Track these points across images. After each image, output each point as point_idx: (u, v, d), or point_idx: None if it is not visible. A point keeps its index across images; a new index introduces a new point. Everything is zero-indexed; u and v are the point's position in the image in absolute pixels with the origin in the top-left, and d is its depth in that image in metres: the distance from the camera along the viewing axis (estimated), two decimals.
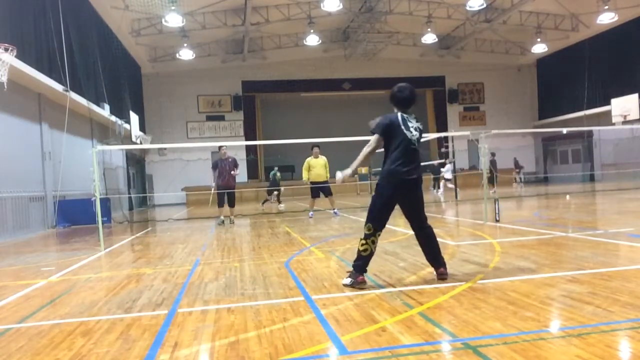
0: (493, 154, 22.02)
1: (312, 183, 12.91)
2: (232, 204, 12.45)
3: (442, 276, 4.37)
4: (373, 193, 4.57)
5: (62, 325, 3.65)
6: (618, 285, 3.86)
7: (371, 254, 4.33)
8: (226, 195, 12.25)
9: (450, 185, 21.16)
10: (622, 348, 2.67)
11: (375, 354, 2.69)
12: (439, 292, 3.95)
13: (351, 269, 4.39)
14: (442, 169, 22.28)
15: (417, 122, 4.47)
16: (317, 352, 2.79)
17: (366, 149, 4.52)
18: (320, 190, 12.91)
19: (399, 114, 4.43)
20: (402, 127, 4.35)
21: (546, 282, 4.13)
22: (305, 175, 13.01)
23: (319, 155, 12.99)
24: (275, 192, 18.69)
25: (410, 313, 3.43)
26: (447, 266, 4.51)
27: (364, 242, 4.31)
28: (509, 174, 30.63)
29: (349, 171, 4.61)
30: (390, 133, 4.37)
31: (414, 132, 4.38)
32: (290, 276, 4.99)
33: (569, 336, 2.80)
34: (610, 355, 2.51)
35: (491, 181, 18.17)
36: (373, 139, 4.48)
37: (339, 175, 4.66)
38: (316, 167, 12.86)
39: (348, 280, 4.34)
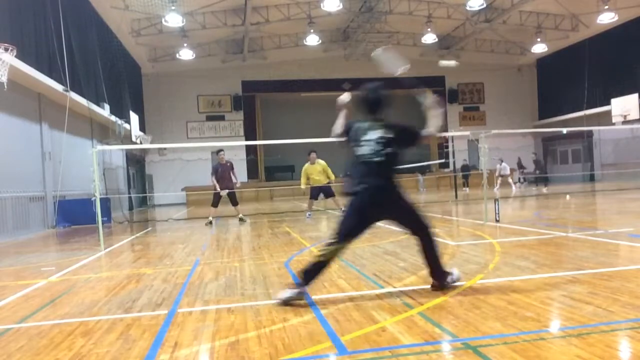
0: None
1: (311, 185, 12.68)
2: (235, 203, 12.47)
3: (434, 287, 4.06)
4: None
5: (62, 325, 3.65)
6: (618, 285, 3.86)
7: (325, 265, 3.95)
8: (227, 195, 12.26)
9: (510, 181, 21.39)
10: (622, 348, 2.67)
11: (375, 354, 2.69)
12: (439, 292, 3.95)
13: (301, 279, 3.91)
14: (498, 166, 22.56)
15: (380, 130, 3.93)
16: (317, 352, 2.79)
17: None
18: (320, 190, 12.51)
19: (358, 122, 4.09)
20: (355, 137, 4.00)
21: (546, 282, 4.13)
22: (303, 183, 12.52)
23: (316, 161, 12.40)
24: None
25: (410, 313, 3.43)
26: (448, 266, 4.50)
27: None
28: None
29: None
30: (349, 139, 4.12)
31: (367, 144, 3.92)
32: (290, 276, 4.99)
33: (569, 336, 2.80)
34: (610, 355, 2.51)
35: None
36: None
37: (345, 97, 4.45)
38: (313, 173, 12.34)
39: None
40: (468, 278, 4.39)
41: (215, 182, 12.19)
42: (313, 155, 12.46)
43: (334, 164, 12.95)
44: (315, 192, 12.62)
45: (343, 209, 4.28)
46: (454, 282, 4.04)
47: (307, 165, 12.55)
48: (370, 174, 3.88)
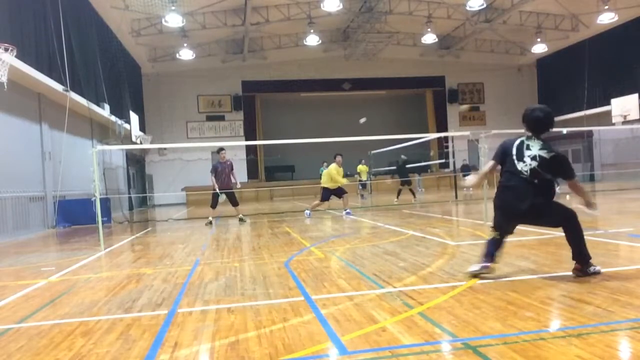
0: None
1: (325, 188, 12.87)
2: (235, 204, 12.48)
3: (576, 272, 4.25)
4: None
5: (62, 325, 3.65)
6: (618, 285, 3.86)
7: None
8: (226, 196, 12.26)
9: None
10: (622, 348, 2.67)
11: (375, 354, 2.69)
12: (439, 292, 3.95)
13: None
14: None
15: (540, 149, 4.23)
16: (317, 352, 2.79)
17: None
18: (332, 193, 12.89)
19: (519, 139, 4.34)
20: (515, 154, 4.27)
21: (546, 282, 4.13)
22: (341, 180, 12.82)
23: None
24: (402, 185, 17.28)
25: (410, 313, 3.43)
26: (448, 266, 4.50)
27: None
28: None
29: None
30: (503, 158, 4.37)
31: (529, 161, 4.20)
32: (290, 276, 4.99)
33: (569, 336, 2.80)
34: (610, 355, 2.51)
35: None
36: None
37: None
38: (336, 175, 12.79)
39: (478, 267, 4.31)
40: (468, 278, 4.39)
41: (214, 181, 12.20)
42: (339, 158, 12.97)
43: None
44: (327, 195, 12.95)
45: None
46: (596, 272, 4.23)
47: (334, 165, 12.90)
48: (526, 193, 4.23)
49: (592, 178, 27.94)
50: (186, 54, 25.21)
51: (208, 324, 3.46)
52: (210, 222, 12.11)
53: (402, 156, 18.57)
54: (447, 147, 19.93)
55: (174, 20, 20.06)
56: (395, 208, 14.55)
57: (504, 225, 4.35)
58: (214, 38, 25.86)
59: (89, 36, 17.89)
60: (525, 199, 4.15)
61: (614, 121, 22.03)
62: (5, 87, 9.95)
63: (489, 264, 4.28)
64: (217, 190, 12.24)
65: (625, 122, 21.54)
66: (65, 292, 4.87)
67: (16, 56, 10.28)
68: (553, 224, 4.43)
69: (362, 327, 3.15)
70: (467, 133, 12.41)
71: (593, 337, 2.75)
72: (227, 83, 29.96)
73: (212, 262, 6.23)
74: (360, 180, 21.32)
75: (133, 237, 10.58)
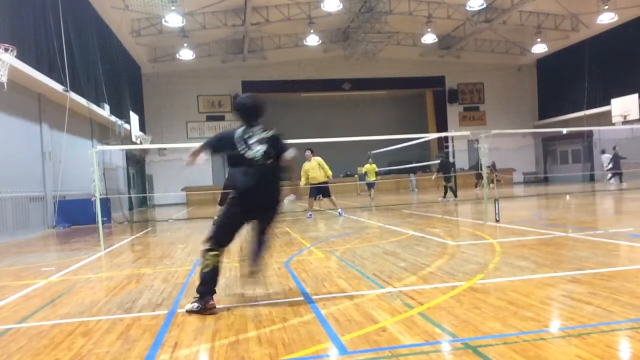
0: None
1: (310, 184, 12.92)
2: None
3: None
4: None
5: (62, 325, 3.65)
6: (618, 285, 3.86)
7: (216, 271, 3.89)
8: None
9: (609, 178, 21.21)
10: (622, 348, 2.67)
11: (375, 354, 2.69)
12: (439, 292, 3.95)
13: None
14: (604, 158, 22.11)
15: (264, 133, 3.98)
16: (317, 352, 2.79)
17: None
18: (319, 191, 12.89)
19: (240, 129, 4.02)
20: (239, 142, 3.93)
21: (546, 282, 4.13)
22: (302, 180, 12.80)
23: (312, 158, 12.79)
24: (446, 183, 17.21)
25: (410, 313, 3.43)
26: (448, 266, 4.51)
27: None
28: (507, 174, 30.67)
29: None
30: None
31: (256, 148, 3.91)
32: (290, 276, 4.99)
33: (569, 336, 2.80)
34: (610, 355, 2.51)
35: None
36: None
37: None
38: (310, 170, 12.72)
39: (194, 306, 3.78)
40: (468, 278, 4.39)
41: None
42: (308, 152, 12.83)
43: (334, 164, 13.04)
44: (315, 191, 12.99)
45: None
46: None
47: (305, 163, 12.82)
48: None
49: (592, 178, 27.94)
50: (186, 54, 25.21)
51: (208, 324, 3.46)
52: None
53: (442, 154, 18.73)
54: (447, 147, 19.89)
55: (174, 20, 20.06)
56: (395, 208, 14.55)
57: None
58: (214, 38, 25.85)
59: (89, 36, 17.89)
60: None
61: (614, 121, 22.02)
62: (5, 87, 9.95)
63: None
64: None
65: (625, 122, 21.52)
66: (65, 292, 4.88)
67: (16, 56, 10.28)
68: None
69: (362, 327, 3.16)
70: (467, 133, 12.41)
71: (593, 337, 2.75)
72: (227, 83, 29.95)
73: None
74: (367, 181, 20.06)
75: (133, 237, 10.58)
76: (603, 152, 22.67)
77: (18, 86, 12.49)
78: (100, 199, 8.88)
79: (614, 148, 21.54)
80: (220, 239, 3.92)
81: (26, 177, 13.07)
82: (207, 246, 3.88)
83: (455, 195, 17.32)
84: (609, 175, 22.11)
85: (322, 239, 8.10)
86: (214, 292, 3.84)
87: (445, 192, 17.44)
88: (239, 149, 3.91)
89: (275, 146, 3.99)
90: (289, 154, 4.07)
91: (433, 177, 19.03)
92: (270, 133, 4.02)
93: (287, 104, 33.62)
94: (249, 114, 4.08)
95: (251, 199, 3.93)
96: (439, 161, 18.88)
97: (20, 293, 4.93)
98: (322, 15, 23.42)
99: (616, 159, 21.31)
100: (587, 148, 29.11)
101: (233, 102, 30.32)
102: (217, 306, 3.92)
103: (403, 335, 2.97)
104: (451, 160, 19.06)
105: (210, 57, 27.67)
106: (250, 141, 3.93)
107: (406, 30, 27.21)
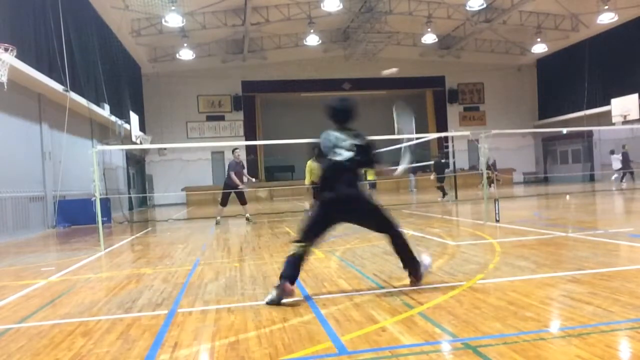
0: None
1: (313, 184, 12.83)
2: (244, 202, 12.54)
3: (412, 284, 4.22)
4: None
5: (62, 325, 3.65)
6: (618, 285, 3.86)
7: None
8: (236, 195, 12.34)
9: (615, 176, 21.08)
10: (622, 348, 2.67)
11: (375, 354, 2.69)
12: (439, 292, 3.95)
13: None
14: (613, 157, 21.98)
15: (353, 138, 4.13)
16: (317, 352, 2.79)
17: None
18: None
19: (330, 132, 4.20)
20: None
21: (546, 282, 4.13)
22: (307, 179, 12.65)
23: None
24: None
25: (410, 313, 3.43)
26: (448, 266, 4.51)
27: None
28: (507, 174, 30.65)
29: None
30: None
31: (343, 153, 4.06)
32: None
33: (569, 336, 2.80)
34: (610, 355, 2.51)
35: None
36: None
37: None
38: (315, 169, 12.74)
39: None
40: (468, 278, 4.39)
41: (234, 177, 12.24)
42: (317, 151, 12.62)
43: None
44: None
45: None
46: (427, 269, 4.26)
47: (310, 161, 12.56)
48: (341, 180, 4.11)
49: (592, 178, 27.94)
50: (186, 54, 25.21)
51: (208, 324, 3.46)
52: (218, 222, 12.15)
53: (437, 155, 18.87)
54: (447, 147, 19.89)
55: (174, 20, 20.06)
56: (395, 208, 14.55)
57: None
58: (214, 38, 25.85)
59: (89, 36, 17.88)
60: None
61: (614, 121, 22.01)
62: (5, 87, 9.94)
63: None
64: (242, 186, 12.35)
65: (625, 122, 21.51)
66: (65, 292, 4.88)
67: (16, 56, 10.28)
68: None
69: (362, 327, 3.16)
70: (467, 133, 12.43)
71: (593, 337, 2.75)
72: (227, 83, 29.95)
73: (212, 262, 6.23)
74: (368, 181, 20.37)
75: (133, 237, 10.58)
76: (612, 152, 22.49)
77: (18, 86, 12.48)
78: (100, 199, 8.88)
79: (623, 147, 21.44)
80: (305, 233, 4.07)
81: (26, 177, 13.07)
82: (296, 237, 4.12)
83: (444, 196, 17.33)
84: (617, 174, 21.92)
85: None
86: (294, 279, 3.96)
87: (444, 193, 17.48)
88: (327, 153, 4.13)
89: (365, 155, 4.14)
90: (401, 168, 4.27)
91: (431, 177, 19.05)
92: (362, 141, 4.18)
93: (287, 104, 33.65)
94: (339, 117, 4.25)
95: (331, 204, 4.08)
96: (433, 162, 19.03)
97: (20, 293, 4.93)
98: (322, 15, 23.42)
99: (626, 158, 21.28)
100: (587, 148, 29.10)
101: (233, 101, 30.45)
102: (217, 306, 3.93)
103: (403, 335, 2.97)
104: (450, 160, 19.12)
105: (210, 57, 27.67)
106: (339, 144, 4.10)
107: (406, 30, 27.21)
